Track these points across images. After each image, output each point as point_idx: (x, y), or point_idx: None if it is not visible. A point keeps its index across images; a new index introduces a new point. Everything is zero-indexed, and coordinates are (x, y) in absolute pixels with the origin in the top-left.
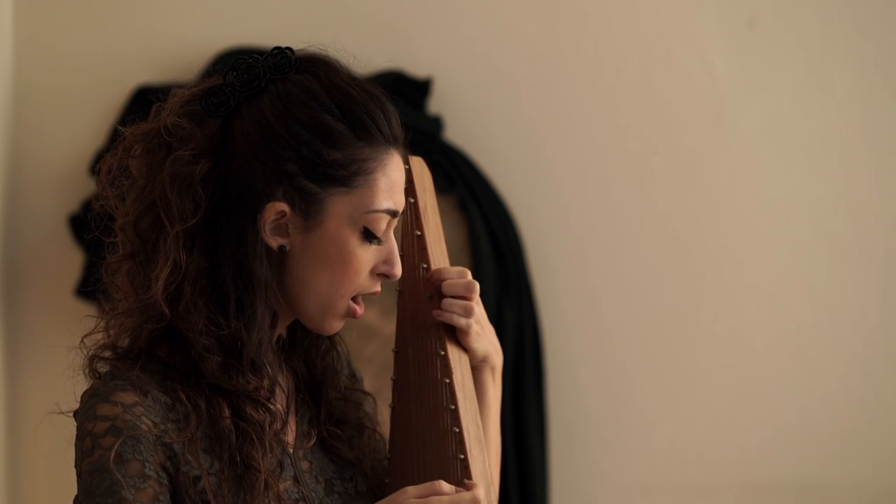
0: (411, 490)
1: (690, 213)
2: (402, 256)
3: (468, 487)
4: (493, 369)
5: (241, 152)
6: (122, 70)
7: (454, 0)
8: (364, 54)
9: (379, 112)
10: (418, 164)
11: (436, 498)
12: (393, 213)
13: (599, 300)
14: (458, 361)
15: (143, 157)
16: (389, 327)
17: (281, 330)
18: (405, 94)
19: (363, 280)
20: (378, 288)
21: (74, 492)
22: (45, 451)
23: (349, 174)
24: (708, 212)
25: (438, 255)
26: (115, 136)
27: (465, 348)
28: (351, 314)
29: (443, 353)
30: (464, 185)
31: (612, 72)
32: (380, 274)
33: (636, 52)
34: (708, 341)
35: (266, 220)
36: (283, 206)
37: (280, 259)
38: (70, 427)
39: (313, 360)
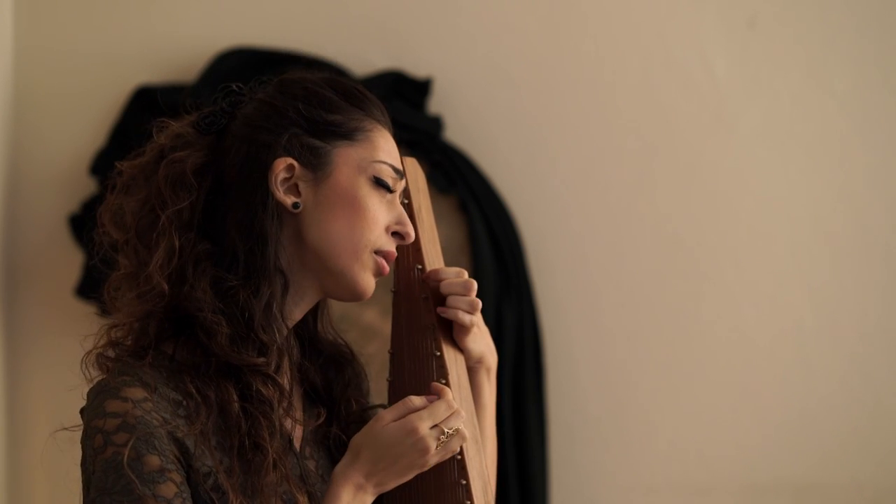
0: (387, 415)
1: (690, 213)
2: (396, 258)
3: (440, 393)
4: (488, 370)
5: (241, 133)
6: (122, 70)
7: (454, 0)
8: (364, 54)
9: (370, 95)
10: (412, 165)
11: (414, 415)
12: (397, 172)
13: (599, 300)
14: (453, 362)
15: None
16: (389, 327)
17: (300, 312)
18: (405, 94)
19: (380, 234)
20: (394, 248)
21: (74, 490)
22: (44, 450)
23: (350, 130)
24: (708, 212)
25: (433, 255)
26: (109, 174)
27: (460, 349)
28: (380, 270)
29: (438, 353)
30: (464, 185)
31: (612, 72)
32: (394, 233)
33: (636, 52)
34: (708, 341)
35: (276, 177)
36: (292, 161)
37: (295, 222)
38: (70, 431)
39: (330, 377)
